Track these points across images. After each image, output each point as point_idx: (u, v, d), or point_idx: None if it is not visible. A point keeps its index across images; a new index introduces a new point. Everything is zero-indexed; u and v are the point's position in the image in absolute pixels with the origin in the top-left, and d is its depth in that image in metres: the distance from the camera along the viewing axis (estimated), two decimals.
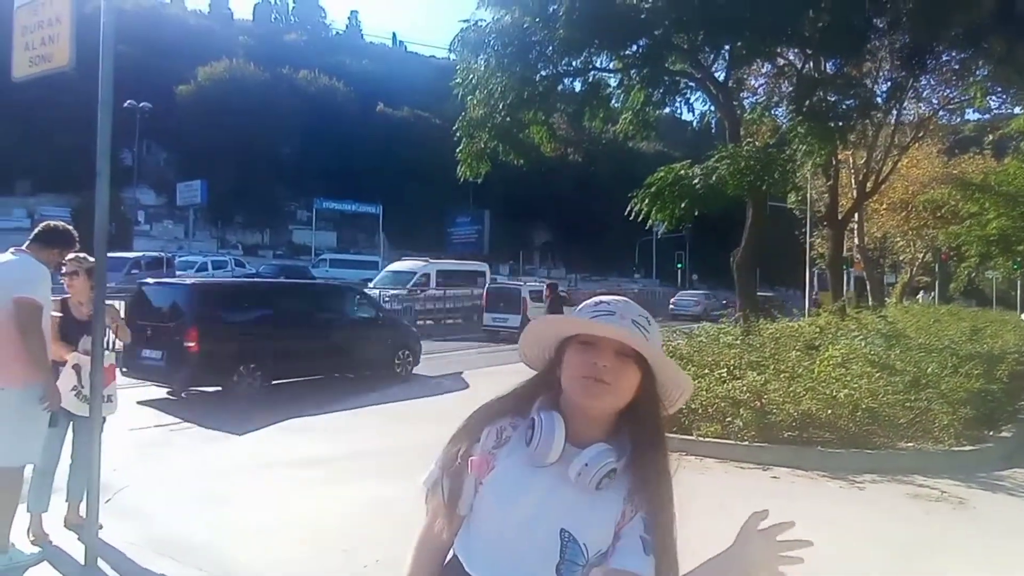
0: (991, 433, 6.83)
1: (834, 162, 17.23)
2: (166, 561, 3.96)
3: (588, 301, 1.36)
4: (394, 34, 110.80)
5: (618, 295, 1.43)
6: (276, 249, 50.18)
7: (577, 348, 1.29)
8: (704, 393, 6.84)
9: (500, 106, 11.59)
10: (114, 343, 5.36)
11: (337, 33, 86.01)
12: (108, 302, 5.16)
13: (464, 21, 11.40)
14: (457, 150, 12.39)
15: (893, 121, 18.16)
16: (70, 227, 4.28)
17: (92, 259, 4.50)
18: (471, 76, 11.68)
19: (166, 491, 5.38)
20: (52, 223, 4.17)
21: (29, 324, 3.84)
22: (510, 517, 1.24)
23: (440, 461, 1.34)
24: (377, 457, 6.49)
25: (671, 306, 33.83)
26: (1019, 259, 13.15)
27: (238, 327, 9.58)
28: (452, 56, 12.36)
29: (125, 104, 41.81)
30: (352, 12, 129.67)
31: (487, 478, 1.28)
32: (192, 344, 8.73)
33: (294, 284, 17.63)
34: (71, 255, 4.68)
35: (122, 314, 5.69)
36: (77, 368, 4.36)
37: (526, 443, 1.27)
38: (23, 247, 4.05)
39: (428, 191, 48.11)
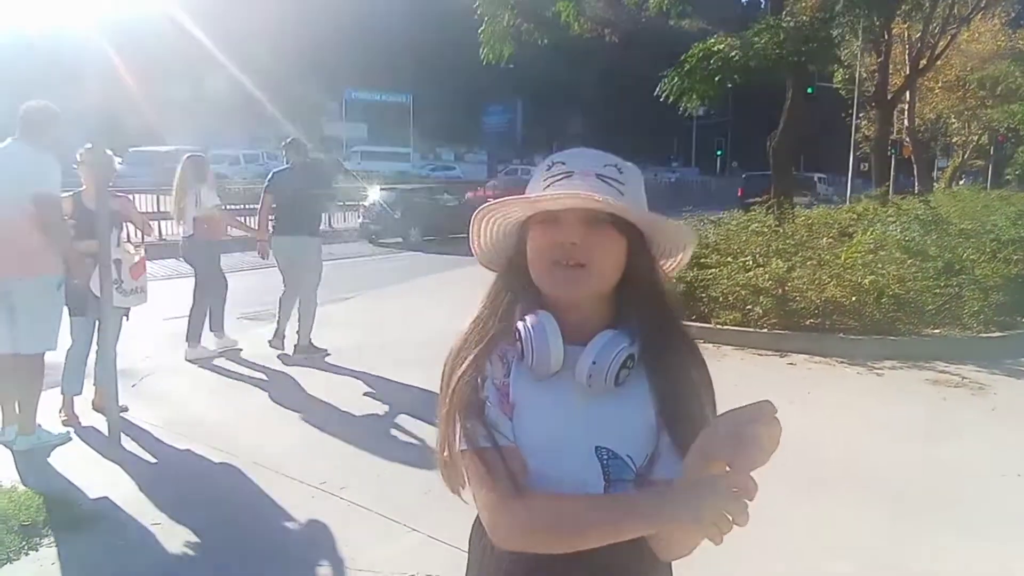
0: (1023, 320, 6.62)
1: (886, 36, 16.09)
2: (184, 440, 4.13)
3: (541, 165, 1.09)
4: None
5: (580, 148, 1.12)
6: (308, 143, 49.88)
7: (538, 228, 1.03)
8: (725, 281, 6.71)
9: None
10: (138, 235, 5.37)
11: None
12: (120, 194, 5.19)
13: None
14: (479, 30, 11.84)
15: None
16: (49, 104, 4.17)
17: (107, 151, 4.49)
18: None
19: (191, 377, 5.57)
20: (31, 104, 4.07)
21: (54, 218, 3.89)
22: (539, 453, 1.01)
23: (462, 414, 1.01)
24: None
25: None
26: None
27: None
28: None
29: None
30: None
31: (512, 414, 1.02)
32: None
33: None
34: (87, 145, 4.66)
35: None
36: (117, 263, 4.45)
37: (520, 358, 1.02)
38: (16, 137, 3.99)
39: (459, 80, 46.79)
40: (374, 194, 17.43)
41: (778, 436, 0.85)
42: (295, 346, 6.08)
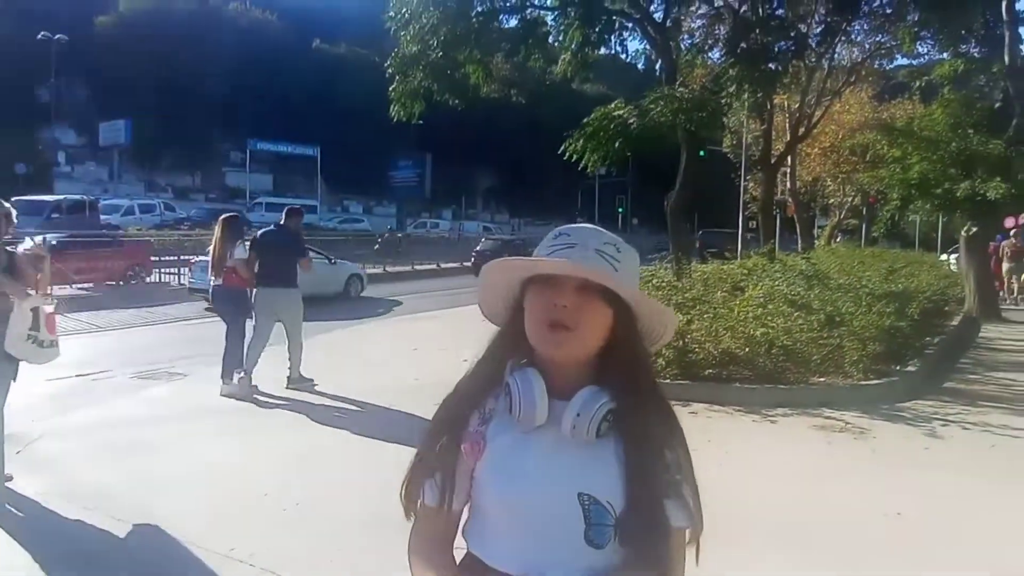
0: (897, 367, 7.22)
1: (769, 106, 17.47)
2: (77, 509, 3.89)
3: (549, 235, 1.21)
4: None
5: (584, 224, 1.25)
6: (208, 192, 48.50)
7: (536, 290, 1.14)
8: None
9: (434, 42, 11.28)
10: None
11: None
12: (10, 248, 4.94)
13: None
14: (390, 89, 12.06)
15: (826, 66, 18.46)
16: None
17: (5, 203, 4.28)
18: (404, 9, 11.30)
19: (82, 441, 5.26)
20: None
21: None
22: (518, 498, 1.11)
23: (418, 461, 1.19)
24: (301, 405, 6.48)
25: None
26: (936, 202, 13.66)
27: None
28: None
29: (39, 36, 39.08)
30: None
31: (480, 463, 1.15)
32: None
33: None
34: None
35: None
36: (35, 311, 4.22)
37: (508, 411, 1.14)
38: None
39: (368, 133, 46.90)
40: (482, 244, 24.49)
41: None
42: (288, 378, 6.93)
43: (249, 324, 6.94)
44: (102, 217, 27.06)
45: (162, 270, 17.89)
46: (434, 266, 25.26)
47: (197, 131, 48.04)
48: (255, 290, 6.93)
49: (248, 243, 7.03)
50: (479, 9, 11.66)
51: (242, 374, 6.70)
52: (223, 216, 7.23)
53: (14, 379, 4.41)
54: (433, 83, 11.81)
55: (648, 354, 1.22)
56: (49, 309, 4.34)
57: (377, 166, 47.66)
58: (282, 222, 7.31)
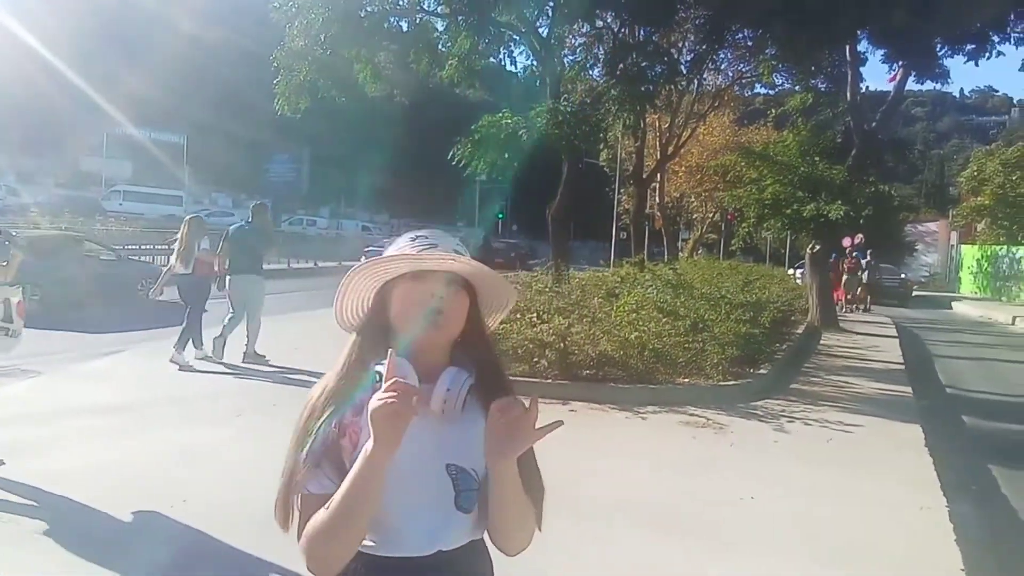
0: (751, 370, 7.97)
1: (642, 125, 18.52)
2: None
3: (401, 239, 1.34)
4: None
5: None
6: (59, 178, 44.56)
7: (408, 284, 1.26)
8: (515, 335, 7.27)
9: (322, 38, 11.16)
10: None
11: None
12: None
13: None
14: (275, 82, 11.79)
15: (694, 90, 19.81)
16: None
17: None
18: (291, 2, 11.10)
19: None
20: None
21: None
22: (396, 476, 1.18)
23: (300, 460, 1.21)
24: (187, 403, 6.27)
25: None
26: (787, 220, 15.06)
27: None
28: None
29: None
30: None
31: (357, 451, 1.19)
32: None
33: None
34: None
35: None
36: (6, 303, 4.12)
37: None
38: None
39: (242, 123, 44.87)
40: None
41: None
42: (244, 354, 7.83)
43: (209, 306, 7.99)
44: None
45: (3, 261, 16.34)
46: None
47: (45, 110, 43.99)
48: (228, 278, 7.95)
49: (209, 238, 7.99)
50: (369, 9, 11.65)
51: (182, 350, 7.63)
52: (189, 216, 8.39)
53: None
54: (319, 79, 11.67)
55: (493, 336, 1.39)
56: (18, 298, 4.15)
57: (252, 159, 45.70)
58: (251, 219, 8.35)
